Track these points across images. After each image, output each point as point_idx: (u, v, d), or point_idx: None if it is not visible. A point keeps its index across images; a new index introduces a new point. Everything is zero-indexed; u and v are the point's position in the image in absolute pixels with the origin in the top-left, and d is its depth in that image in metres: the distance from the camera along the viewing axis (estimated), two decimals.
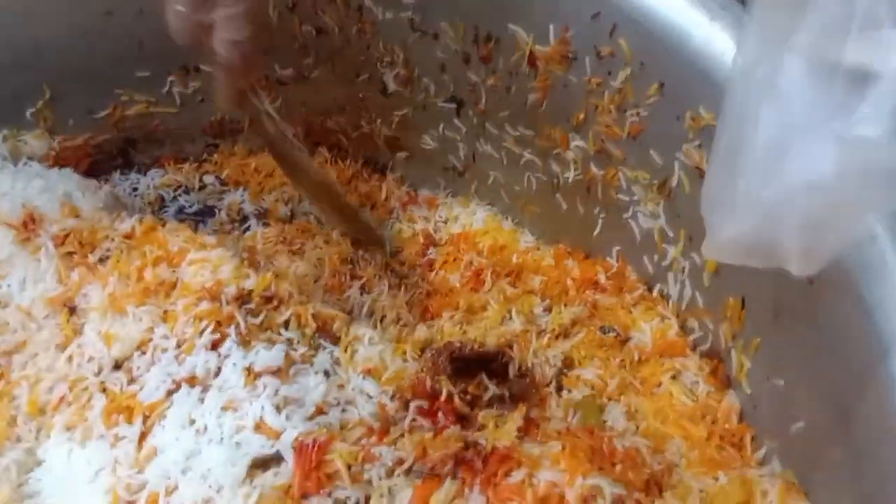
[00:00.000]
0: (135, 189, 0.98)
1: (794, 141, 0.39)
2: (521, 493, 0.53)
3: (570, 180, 0.80)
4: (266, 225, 0.92)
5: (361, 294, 0.80)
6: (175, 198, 0.98)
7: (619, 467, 0.56)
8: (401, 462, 0.57)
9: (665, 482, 0.57)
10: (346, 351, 0.69)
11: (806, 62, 0.38)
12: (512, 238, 0.88)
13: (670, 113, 0.66)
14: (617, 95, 0.70)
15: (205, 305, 0.66)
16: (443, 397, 0.62)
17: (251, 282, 0.69)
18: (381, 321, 0.77)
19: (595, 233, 0.80)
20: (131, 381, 0.64)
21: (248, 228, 0.92)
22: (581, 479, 0.53)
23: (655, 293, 0.75)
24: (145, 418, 0.61)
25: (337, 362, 0.68)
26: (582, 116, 0.75)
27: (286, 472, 0.56)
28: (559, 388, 0.68)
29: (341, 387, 0.65)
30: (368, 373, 0.67)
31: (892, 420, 0.45)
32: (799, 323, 0.55)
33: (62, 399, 0.64)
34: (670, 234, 0.70)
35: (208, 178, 1.01)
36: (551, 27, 0.72)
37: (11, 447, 0.63)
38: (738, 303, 0.63)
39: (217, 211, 0.96)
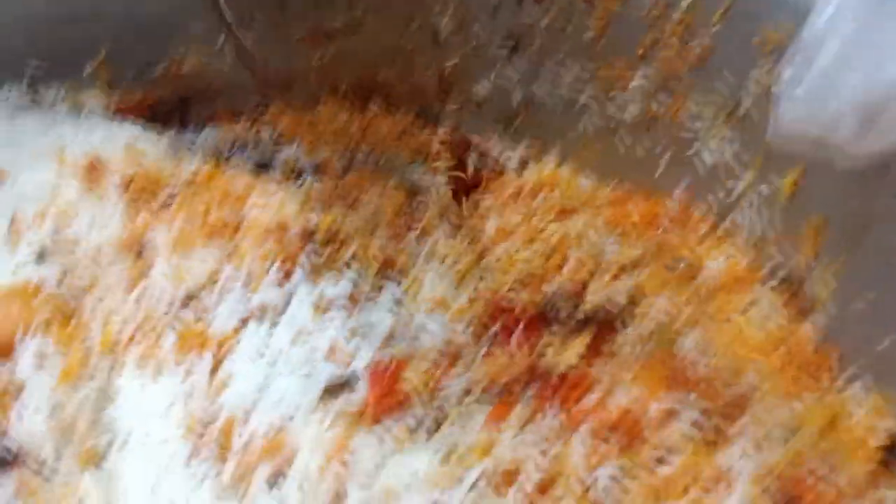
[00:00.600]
0: (190, 146, 0.98)
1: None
2: (596, 415, 0.52)
3: (629, 120, 0.78)
4: (321, 179, 0.92)
5: (418, 243, 0.79)
6: (230, 156, 0.98)
7: (695, 392, 0.55)
8: (473, 387, 0.56)
9: (742, 409, 0.56)
10: (410, 288, 0.68)
11: None
12: (569, 183, 0.87)
13: (737, 38, 0.64)
14: (679, 26, 0.68)
15: (271, 243, 0.66)
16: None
17: (315, 221, 0.68)
18: (442, 263, 0.76)
19: (657, 173, 0.79)
20: (200, 317, 0.64)
21: (303, 183, 0.92)
22: (657, 402, 0.52)
23: (723, 228, 0.73)
24: (216, 351, 0.61)
25: (402, 299, 0.67)
26: (642, 51, 0.73)
27: (359, 397, 0.56)
28: (626, 323, 0.67)
29: (408, 320, 0.64)
30: (434, 308, 0.67)
31: None
32: (885, 238, 0.53)
33: (133, 336, 0.65)
34: (741, 162, 0.68)
35: (263, 133, 1.00)
36: None
37: (85, 383, 0.64)
38: (821, 222, 0.61)
39: (272, 166, 0.96)
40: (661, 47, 0.71)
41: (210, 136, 1.00)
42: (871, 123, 0.38)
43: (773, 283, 0.67)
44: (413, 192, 0.88)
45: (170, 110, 1.01)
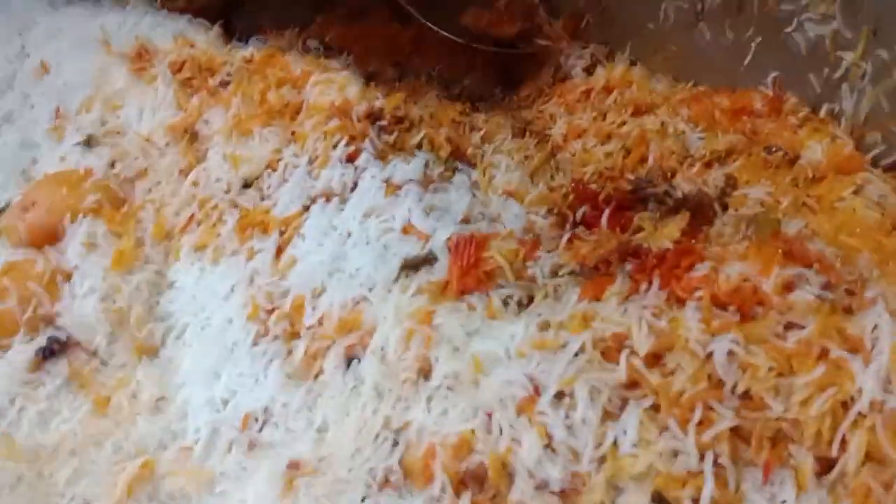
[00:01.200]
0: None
1: None
2: (708, 287, 0.47)
3: (718, 1, 0.72)
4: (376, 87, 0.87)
5: (483, 143, 0.74)
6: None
7: (813, 268, 0.49)
8: (563, 265, 0.51)
9: (865, 283, 0.50)
10: (484, 174, 0.63)
11: None
12: (641, 84, 0.81)
13: None
14: None
15: (335, 122, 0.61)
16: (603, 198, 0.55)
17: (381, 101, 0.63)
18: (512, 159, 0.71)
19: (746, 61, 0.72)
20: (263, 198, 0.60)
21: None
22: (778, 269, 0.47)
23: (823, 113, 0.67)
24: (282, 232, 0.57)
25: (476, 184, 0.62)
26: None
27: (440, 270, 0.51)
28: (724, 208, 0.61)
29: (486, 202, 0.59)
30: (510, 195, 0.62)
31: None
32: None
33: (191, 219, 0.60)
34: (847, 36, 0.62)
35: (311, 44, 0.95)
36: None
37: (140, 269, 0.59)
38: None
39: None
40: None
41: (257, 45, 0.95)
42: None
43: (887, 163, 0.60)
44: (473, 97, 0.83)
45: (216, 18, 0.96)
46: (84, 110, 0.67)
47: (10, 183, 0.68)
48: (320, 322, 0.50)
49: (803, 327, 0.44)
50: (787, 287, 0.47)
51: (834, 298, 0.46)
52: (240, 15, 0.98)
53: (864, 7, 0.61)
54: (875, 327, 0.43)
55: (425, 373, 0.46)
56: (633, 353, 0.43)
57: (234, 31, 0.96)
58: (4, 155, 0.70)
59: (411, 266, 0.51)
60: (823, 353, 0.42)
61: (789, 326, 0.44)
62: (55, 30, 0.75)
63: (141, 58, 0.69)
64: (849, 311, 0.45)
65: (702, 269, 0.49)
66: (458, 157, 0.65)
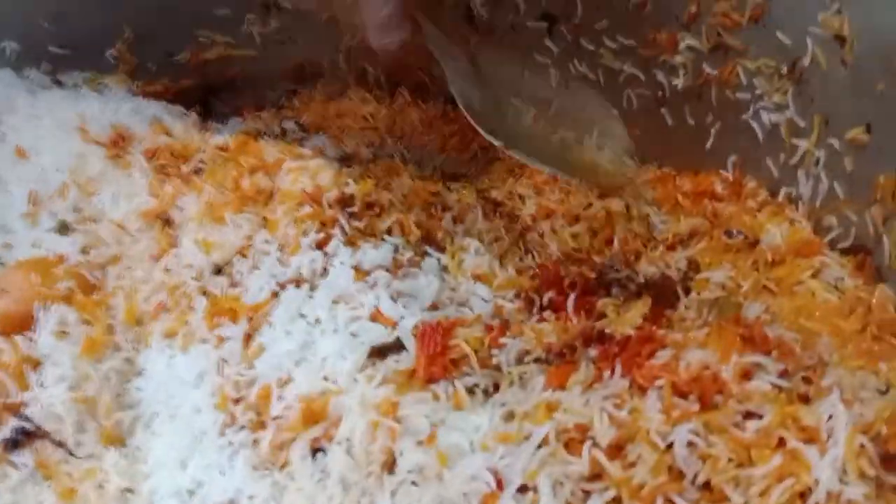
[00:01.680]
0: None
1: None
2: (671, 372, 0.48)
3: (679, 88, 0.75)
4: (350, 166, 0.89)
5: (455, 224, 0.76)
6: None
7: (772, 354, 0.50)
8: (530, 350, 0.52)
9: (823, 370, 0.51)
10: (453, 258, 0.64)
11: None
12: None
13: None
14: None
15: (306, 209, 0.63)
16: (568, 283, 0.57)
17: (352, 187, 0.65)
18: (482, 241, 0.72)
19: (707, 145, 0.75)
20: (233, 284, 0.60)
21: None
22: (737, 356, 0.48)
23: (781, 197, 0.69)
24: (250, 319, 0.57)
25: (445, 268, 0.63)
26: (694, 9, 0.70)
27: (407, 358, 0.51)
28: (687, 292, 0.62)
29: (455, 286, 0.60)
30: (479, 279, 0.63)
31: None
32: None
33: (160, 306, 0.61)
34: (802, 124, 0.65)
35: (288, 125, 0.97)
36: None
37: (110, 356, 0.60)
38: (891, 180, 0.57)
39: None
40: (715, 1, 0.68)
41: (235, 126, 0.97)
42: None
43: (843, 246, 0.62)
44: (446, 176, 0.85)
45: (194, 100, 0.99)
46: (59, 196, 0.68)
47: None
48: (287, 411, 0.50)
49: (761, 416, 0.45)
50: (746, 375, 0.48)
51: (791, 387, 0.47)
52: (219, 96, 1.00)
53: (815, 98, 0.63)
54: (830, 417, 0.44)
55: (389, 466, 0.46)
56: (595, 444, 0.44)
57: (212, 112, 0.99)
58: None
59: (378, 353, 0.52)
60: (781, 443, 0.43)
61: (748, 415, 0.45)
62: (33, 115, 0.76)
63: (117, 144, 0.70)
64: (805, 399, 0.46)
65: (663, 357, 0.50)
66: (428, 242, 0.66)
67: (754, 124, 0.70)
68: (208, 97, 0.99)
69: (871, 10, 0.56)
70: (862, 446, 0.42)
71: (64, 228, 0.66)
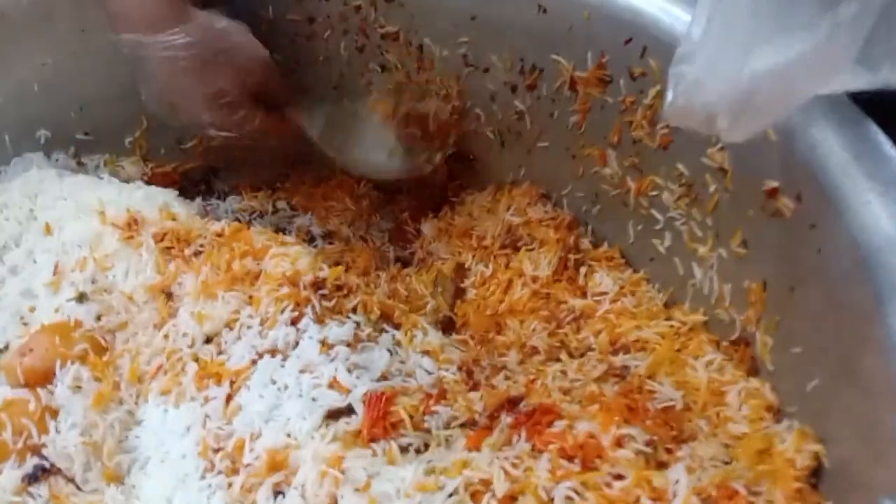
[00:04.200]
0: (216, 213, 1.09)
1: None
2: (563, 439, 0.60)
3: (609, 195, 0.88)
4: (331, 243, 1.03)
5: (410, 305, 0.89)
6: (250, 221, 1.09)
7: (649, 422, 0.63)
8: (458, 416, 0.65)
9: (675, 451, 0.63)
10: (406, 335, 0.77)
11: None
12: None
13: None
14: (649, 111, 0.79)
15: (285, 290, 0.75)
16: None
17: (325, 272, 0.78)
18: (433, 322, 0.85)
19: (629, 242, 0.88)
20: (220, 352, 0.72)
21: (315, 247, 1.02)
22: (615, 428, 0.60)
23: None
24: (232, 382, 0.69)
25: (398, 343, 0.76)
26: (617, 136, 0.84)
27: (356, 421, 0.63)
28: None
29: (403, 362, 0.73)
30: (426, 353, 0.75)
31: (891, 358, 0.51)
32: (810, 292, 0.62)
33: (159, 368, 0.73)
34: (699, 234, 0.78)
35: (280, 204, 1.11)
36: (589, 54, 0.82)
37: (115, 408, 0.72)
38: (759, 287, 0.69)
39: (287, 233, 1.06)
40: (634, 128, 0.82)
41: (233, 203, 1.11)
42: (740, 115, 0.49)
43: (732, 338, 0.75)
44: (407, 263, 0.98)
45: (198, 180, 1.13)
46: (79, 268, 0.81)
47: (10, 326, 0.81)
48: (256, 461, 0.62)
49: (625, 478, 0.57)
50: (619, 443, 0.60)
51: (653, 454, 0.59)
52: (219, 176, 1.14)
53: (706, 215, 0.77)
54: (677, 481, 0.56)
55: None
56: (493, 496, 0.56)
57: (213, 190, 1.13)
58: (7, 302, 0.83)
59: (333, 416, 0.64)
60: (636, 501, 0.55)
61: (617, 477, 0.57)
62: (60, 197, 0.89)
63: (130, 227, 0.83)
64: (663, 465, 0.59)
65: (559, 426, 0.62)
66: (386, 320, 0.79)
67: (666, 230, 0.83)
68: (210, 177, 1.14)
69: (746, 150, 0.69)
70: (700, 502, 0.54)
71: (82, 298, 0.79)
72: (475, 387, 0.72)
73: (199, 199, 0.96)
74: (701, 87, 0.50)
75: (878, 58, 0.47)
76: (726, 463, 0.60)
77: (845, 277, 0.57)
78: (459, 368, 0.74)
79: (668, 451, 0.60)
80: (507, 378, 0.74)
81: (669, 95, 0.52)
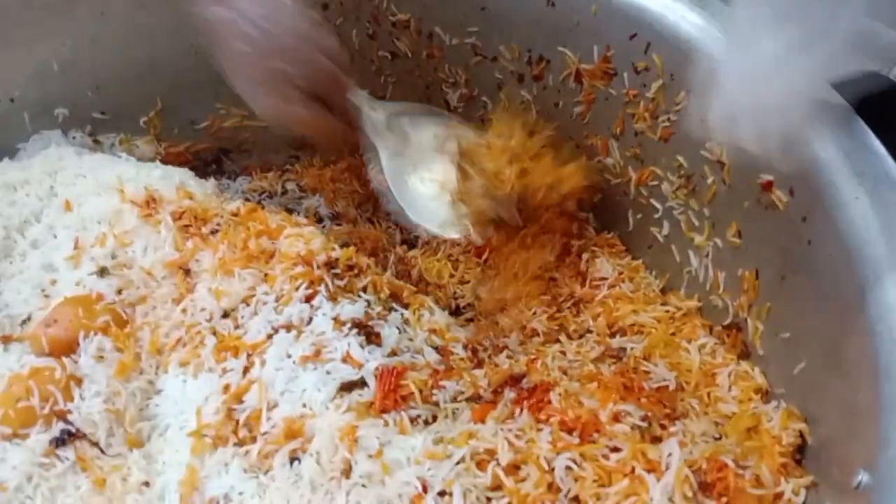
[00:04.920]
0: (226, 188, 1.12)
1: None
2: (562, 413, 0.64)
3: (611, 183, 0.91)
4: (339, 224, 1.06)
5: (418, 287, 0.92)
6: (260, 201, 1.12)
7: (644, 400, 0.67)
8: (463, 392, 0.68)
9: (668, 426, 0.66)
10: (414, 314, 0.80)
11: None
12: None
13: (695, 116, 0.78)
14: (651, 104, 0.82)
15: (299, 269, 0.78)
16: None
17: (337, 252, 0.81)
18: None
19: (629, 229, 0.92)
20: (237, 326, 0.76)
21: (323, 227, 1.05)
22: (612, 405, 0.64)
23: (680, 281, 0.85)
24: (248, 355, 0.73)
25: (407, 322, 0.79)
26: (620, 127, 0.87)
27: (369, 393, 0.67)
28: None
29: (411, 339, 0.76)
30: (433, 332, 0.79)
31: (875, 342, 0.55)
32: (799, 281, 0.65)
33: (178, 341, 0.77)
34: (696, 223, 0.81)
35: (289, 185, 1.14)
36: (595, 48, 0.85)
37: (136, 378, 0.75)
38: (752, 275, 0.73)
39: (296, 213, 1.09)
40: (636, 120, 0.85)
41: (243, 184, 1.14)
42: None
43: (725, 323, 0.78)
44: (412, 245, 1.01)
45: (210, 160, 1.16)
46: (99, 244, 0.84)
47: (31, 298, 0.84)
48: (272, 430, 0.66)
49: (621, 450, 0.61)
50: (616, 418, 0.64)
51: (648, 429, 0.63)
52: (230, 157, 1.17)
53: (704, 205, 0.80)
54: (670, 454, 0.60)
55: (347, 473, 0.61)
56: (497, 464, 0.60)
57: (224, 171, 1.16)
58: (29, 275, 0.86)
59: (346, 388, 0.68)
60: (632, 471, 0.59)
61: (613, 449, 0.61)
62: (80, 174, 0.92)
63: (149, 205, 0.86)
64: (657, 440, 0.63)
65: (558, 401, 0.66)
66: (395, 299, 0.82)
67: (664, 219, 0.86)
68: (221, 157, 1.17)
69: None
70: (686, 476, 0.58)
71: (103, 272, 0.82)
72: (479, 364, 0.76)
73: (212, 179, 0.98)
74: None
75: None
76: (716, 439, 0.64)
77: (833, 268, 0.61)
78: (465, 347, 0.78)
79: (662, 426, 0.63)
80: (509, 357, 0.77)
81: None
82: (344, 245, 0.85)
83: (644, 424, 0.63)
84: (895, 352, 0.52)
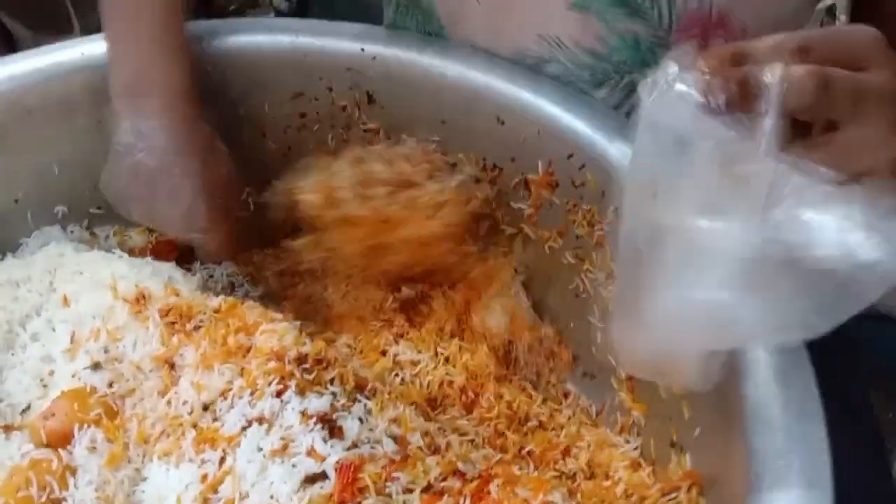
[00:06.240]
0: (210, 276, 1.21)
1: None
2: (499, 502, 0.73)
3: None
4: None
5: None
6: (242, 284, 1.22)
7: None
8: (416, 482, 0.77)
9: None
10: (377, 405, 0.89)
11: None
12: None
13: None
14: (587, 214, 0.93)
15: (272, 364, 0.87)
16: None
17: (307, 348, 0.90)
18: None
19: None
20: (215, 419, 0.85)
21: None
22: (542, 496, 0.73)
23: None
24: (225, 447, 0.82)
25: (370, 412, 0.88)
26: (563, 229, 0.97)
27: (329, 485, 0.76)
28: None
29: (371, 430, 0.85)
30: (394, 421, 0.88)
31: None
32: None
33: (163, 432, 0.85)
34: None
35: (266, 272, 1.23)
36: (539, 162, 0.96)
37: (125, 467, 0.84)
38: None
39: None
40: (576, 226, 0.95)
41: (227, 268, 1.23)
42: None
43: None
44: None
45: (191, 250, 1.25)
46: (93, 338, 0.93)
47: (31, 388, 0.93)
48: None
49: None
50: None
51: None
52: None
53: None
54: None
55: None
56: None
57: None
58: (29, 366, 0.95)
59: (310, 480, 0.77)
60: None
61: None
62: (77, 271, 1.01)
63: (139, 302, 0.95)
64: None
65: (496, 492, 0.75)
66: (360, 390, 0.91)
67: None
68: None
69: None
70: None
71: (96, 366, 0.91)
72: (436, 451, 0.85)
73: (199, 272, 1.08)
74: None
75: None
76: None
77: None
78: (423, 436, 0.87)
79: None
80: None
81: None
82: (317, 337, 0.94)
83: None
84: None
